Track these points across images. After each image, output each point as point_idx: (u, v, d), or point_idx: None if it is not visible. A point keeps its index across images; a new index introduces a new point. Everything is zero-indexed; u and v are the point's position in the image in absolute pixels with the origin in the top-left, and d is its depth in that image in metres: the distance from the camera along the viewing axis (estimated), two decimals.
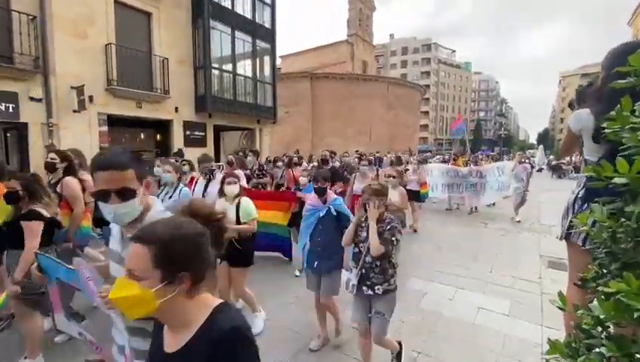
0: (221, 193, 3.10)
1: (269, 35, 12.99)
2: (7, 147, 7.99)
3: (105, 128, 8.87)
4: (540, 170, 23.60)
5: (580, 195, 1.83)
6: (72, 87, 7.92)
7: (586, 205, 1.70)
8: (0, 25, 7.04)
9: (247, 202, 3.05)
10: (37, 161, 7.23)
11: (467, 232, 6.80)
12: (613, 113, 0.86)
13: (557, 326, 2.95)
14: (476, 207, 8.69)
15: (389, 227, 2.28)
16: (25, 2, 7.28)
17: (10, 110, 7.18)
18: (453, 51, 77.65)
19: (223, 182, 3.13)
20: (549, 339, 0.93)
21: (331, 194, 2.86)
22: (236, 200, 3.02)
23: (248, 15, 12.07)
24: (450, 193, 8.48)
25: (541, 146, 31.81)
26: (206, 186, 4.01)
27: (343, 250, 2.53)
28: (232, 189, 3.00)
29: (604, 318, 0.78)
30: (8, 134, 7.98)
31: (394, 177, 4.56)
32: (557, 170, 21.46)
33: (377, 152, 15.16)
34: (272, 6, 13.08)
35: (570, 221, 1.80)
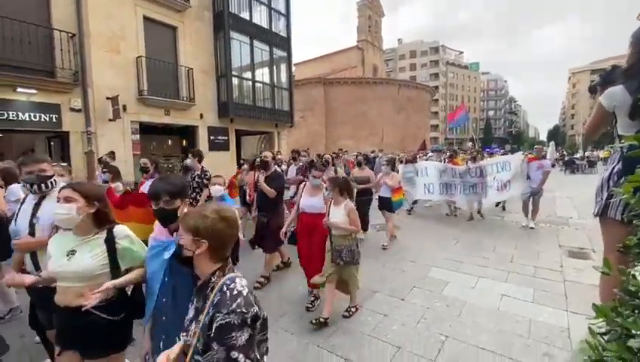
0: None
1: (285, 43, 13.48)
2: (51, 154, 8.60)
3: (137, 137, 9.42)
4: (552, 165, 23.37)
5: (615, 170, 1.84)
6: (107, 98, 8.48)
7: (622, 179, 1.68)
8: (43, 42, 7.65)
9: (128, 235, 1.72)
10: (77, 166, 7.81)
11: (483, 225, 6.97)
12: None
13: (583, 312, 3.06)
14: (480, 212, 7.53)
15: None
16: (65, 21, 7.89)
17: (54, 120, 7.77)
18: (461, 52, 77.40)
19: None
20: (593, 304, 0.95)
21: None
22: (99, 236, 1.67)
23: (265, 25, 12.59)
24: (449, 195, 7.32)
25: (552, 143, 31.39)
26: (36, 207, 2.13)
27: None
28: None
29: None
30: (52, 142, 8.60)
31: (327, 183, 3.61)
32: (570, 165, 21.15)
33: (372, 151, 14.60)
34: (287, 15, 13.58)
35: (610, 193, 1.81)
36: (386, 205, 5.80)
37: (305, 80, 30.08)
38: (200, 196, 4.80)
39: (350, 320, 3.21)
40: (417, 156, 10.34)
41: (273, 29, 12.90)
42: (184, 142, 12.35)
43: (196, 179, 4.96)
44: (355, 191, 5.22)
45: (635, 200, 1.07)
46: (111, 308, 1.64)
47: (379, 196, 5.86)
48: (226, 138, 11.62)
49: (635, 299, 0.89)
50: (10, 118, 7.11)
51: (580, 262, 4.57)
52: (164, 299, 1.55)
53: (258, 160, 6.58)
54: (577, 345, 2.35)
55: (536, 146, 7.19)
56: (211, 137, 11.16)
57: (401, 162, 8.42)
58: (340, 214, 3.16)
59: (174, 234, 1.51)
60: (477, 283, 3.99)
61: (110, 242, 1.65)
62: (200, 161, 5.14)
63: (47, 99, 7.64)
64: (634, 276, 0.97)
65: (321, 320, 3.06)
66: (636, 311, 0.88)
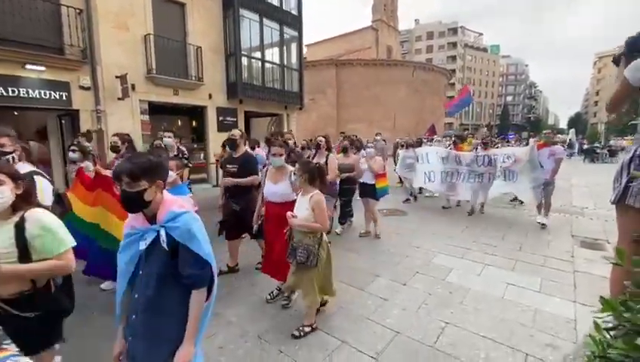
0: None
1: (296, 22, 13.09)
2: (62, 132, 8.73)
3: (146, 116, 9.44)
4: (571, 155, 22.74)
5: (637, 153, 1.70)
6: (116, 77, 8.47)
7: None
8: (51, 18, 7.61)
9: (39, 220, 1.50)
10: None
11: (494, 212, 6.77)
12: None
13: (591, 303, 2.98)
14: (482, 206, 6.73)
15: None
16: None
17: (64, 98, 7.82)
18: (480, 34, 74.03)
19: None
20: (600, 297, 0.91)
21: (169, 203, 1.41)
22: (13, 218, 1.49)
23: (276, 2, 12.20)
24: (449, 185, 6.67)
25: (572, 130, 30.26)
26: None
27: (182, 327, 1.38)
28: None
29: None
30: (63, 120, 8.71)
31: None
32: (590, 154, 20.42)
33: (377, 134, 12.46)
34: None
35: (630, 178, 1.67)
36: (369, 192, 5.17)
37: (316, 61, 29.47)
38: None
39: (350, 302, 3.17)
40: (423, 140, 9.81)
41: (284, 7, 12.51)
42: (194, 122, 12.38)
43: None
44: (338, 180, 4.95)
45: None
46: (22, 304, 1.46)
47: (361, 182, 5.21)
48: (235, 119, 11.54)
49: None
50: (22, 95, 7.18)
51: (592, 253, 4.40)
52: (135, 295, 1.43)
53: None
54: (583, 338, 2.25)
55: (545, 131, 6.59)
56: (220, 118, 11.10)
57: (402, 146, 7.88)
58: (303, 208, 2.62)
59: (151, 221, 1.40)
60: (482, 271, 3.90)
61: (19, 227, 1.45)
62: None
63: (57, 77, 7.67)
64: None
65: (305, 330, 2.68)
66: None
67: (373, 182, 5.14)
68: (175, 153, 4.77)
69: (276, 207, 3.05)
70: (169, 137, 4.94)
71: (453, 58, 63.31)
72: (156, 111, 10.12)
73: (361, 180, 5.19)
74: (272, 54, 12.40)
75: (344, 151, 5.28)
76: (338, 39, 37.91)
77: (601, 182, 11.15)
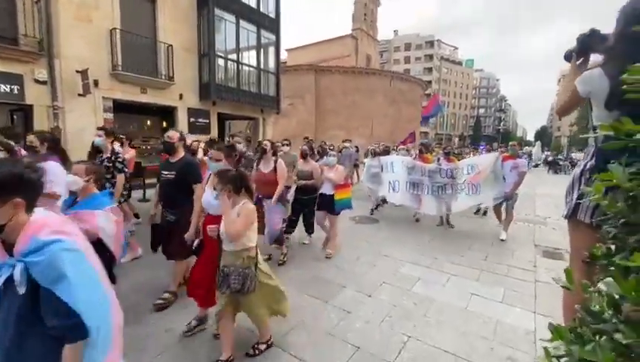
0: None
1: (274, 25, 12.97)
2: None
3: (110, 115, 8.92)
4: (537, 165, 24.06)
5: (587, 167, 1.64)
6: (76, 71, 7.95)
7: (595, 178, 1.57)
8: (5, 6, 7.05)
9: None
10: None
11: (461, 222, 6.75)
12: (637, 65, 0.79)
13: (550, 314, 3.05)
14: (448, 220, 6.46)
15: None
16: None
17: (16, 91, 7.23)
18: (456, 48, 77.33)
19: None
20: (550, 324, 0.86)
21: (35, 228, 1.07)
22: None
23: (253, 4, 12.04)
24: (414, 196, 6.24)
25: (538, 142, 32.03)
26: None
27: None
28: None
29: (620, 299, 0.69)
30: (15, 116, 8.05)
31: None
32: (553, 166, 21.65)
33: (345, 141, 10.93)
34: None
35: (580, 193, 1.62)
36: (328, 205, 4.59)
37: (296, 66, 29.48)
38: (114, 185, 4.08)
39: (312, 316, 3.02)
40: (394, 148, 9.61)
41: (261, 10, 12.37)
42: (164, 123, 11.90)
43: (105, 163, 4.07)
44: (294, 188, 4.64)
45: (606, 202, 0.88)
46: None
47: (319, 193, 4.67)
48: (207, 121, 11.19)
49: (598, 321, 0.74)
50: None
51: (553, 263, 4.52)
52: None
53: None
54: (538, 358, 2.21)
55: (511, 143, 6.29)
56: (191, 119, 10.72)
57: (372, 155, 7.43)
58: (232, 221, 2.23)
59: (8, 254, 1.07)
60: (448, 281, 3.87)
61: None
62: (121, 142, 4.51)
63: (8, 69, 7.08)
64: (599, 293, 0.78)
65: None
66: (598, 337, 0.72)
67: (332, 193, 4.57)
68: (108, 155, 4.18)
69: (215, 219, 2.49)
70: (99, 136, 4.26)
71: (430, 70, 65.59)
72: (122, 109, 9.61)
73: (321, 191, 4.64)
74: (249, 57, 12.20)
75: (303, 156, 4.78)
76: (318, 45, 38.16)
77: (563, 193, 11.71)
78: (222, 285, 2.22)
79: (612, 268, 0.83)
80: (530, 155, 23.99)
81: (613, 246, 0.91)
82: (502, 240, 5.45)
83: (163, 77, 9.71)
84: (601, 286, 0.78)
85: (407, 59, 67.43)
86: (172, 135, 3.19)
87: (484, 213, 7.45)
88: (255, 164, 4.35)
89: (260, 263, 2.34)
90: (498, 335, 2.78)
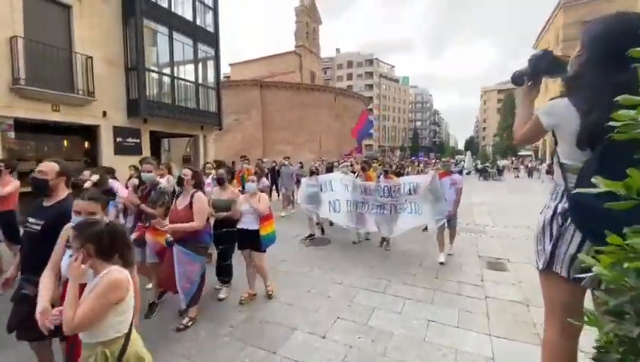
0: None
1: (212, 39, 12.40)
2: None
3: (11, 134, 7.50)
4: (469, 173, 26.52)
5: (559, 210, 1.43)
6: None
7: (569, 222, 1.36)
8: None
9: None
10: None
11: (409, 237, 6.42)
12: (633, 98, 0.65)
13: (503, 335, 3.06)
14: (387, 241, 5.97)
15: None
16: None
17: None
18: (392, 66, 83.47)
19: None
20: None
21: None
22: None
23: (189, 17, 11.37)
24: (357, 215, 5.81)
25: (469, 152, 35.49)
26: None
27: None
28: None
29: None
30: None
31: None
32: (483, 173, 23.94)
33: (286, 158, 10.43)
34: (215, 9, 12.53)
35: (554, 243, 1.42)
36: (253, 242, 3.77)
37: (240, 81, 28.89)
38: None
39: None
40: (337, 163, 9.11)
41: (198, 23, 11.74)
42: (86, 143, 10.48)
43: None
44: (213, 221, 3.89)
45: (612, 276, 0.70)
46: None
47: (238, 229, 3.83)
48: (138, 140, 10.07)
49: None
50: None
51: (497, 274, 4.66)
52: None
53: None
54: None
55: (444, 159, 6.07)
56: (118, 139, 9.53)
57: (310, 173, 6.87)
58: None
59: None
60: (403, 307, 3.71)
61: None
62: None
63: None
64: None
65: None
66: None
67: (257, 228, 3.75)
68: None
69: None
70: None
71: (371, 86, 69.44)
72: (32, 129, 8.20)
73: (240, 225, 3.81)
74: (185, 71, 11.41)
75: (219, 182, 3.98)
76: (263, 61, 38.06)
77: (495, 198, 12.84)
78: None
79: None
80: (461, 165, 26.30)
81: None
82: (441, 263, 5.03)
83: (80, 92, 8.50)
84: None
85: (349, 76, 70.63)
86: (46, 168, 2.23)
87: (425, 228, 6.81)
88: (175, 197, 3.53)
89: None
90: None
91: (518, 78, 1.65)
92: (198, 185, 3.45)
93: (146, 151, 10.36)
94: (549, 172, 24.69)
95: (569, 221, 1.36)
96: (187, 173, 3.38)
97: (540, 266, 1.50)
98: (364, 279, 4.51)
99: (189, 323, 3.26)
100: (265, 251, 3.91)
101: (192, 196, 3.29)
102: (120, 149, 9.36)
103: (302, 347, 2.95)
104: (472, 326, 3.27)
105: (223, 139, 26.09)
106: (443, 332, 3.17)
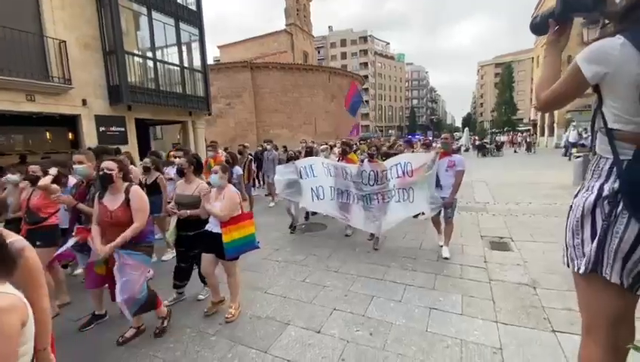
0: None
1: (196, 18, 11.69)
2: None
3: None
4: (467, 149, 26.27)
5: (606, 192, 1.10)
6: None
7: (620, 209, 1.05)
8: None
9: None
10: None
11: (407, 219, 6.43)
12: None
13: (511, 321, 2.85)
14: (377, 239, 5.03)
15: None
16: None
17: None
18: (388, 43, 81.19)
19: None
20: None
21: None
22: None
23: None
24: (342, 204, 5.16)
25: (466, 129, 35.08)
26: None
27: None
28: None
29: None
30: None
31: None
32: (481, 149, 23.65)
33: (268, 142, 9.36)
34: None
35: (601, 239, 1.10)
36: (215, 247, 3.07)
37: (229, 63, 27.90)
38: None
39: None
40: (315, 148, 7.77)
41: (179, 1, 11.01)
42: (70, 134, 10.07)
43: None
44: (175, 221, 3.37)
45: None
46: None
47: (204, 231, 3.20)
48: (123, 129, 9.62)
49: None
50: None
51: (501, 255, 4.43)
52: None
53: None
54: None
55: (443, 136, 5.27)
56: (101, 128, 9.08)
57: (287, 160, 6.16)
58: None
59: None
60: (404, 294, 3.49)
61: None
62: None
63: None
64: None
65: None
66: None
67: (219, 231, 3.04)
68: None
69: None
70: None
71: (366, 65, 67.81)
72: (9, 122, 7.78)
73: (207, 227, 3.18)
74: (168, 53, 10.81)
75: (180, 173, 3.48)
76: (253, 41, 36.75)
77: (494, 174, 12.58)
78: None
79: None
80: (459, 142, 25.96)
81: None
82: (445, 258, 4.37)
83: (56, 80, 7.99)
84: None
85: (343, 55, 68.84)
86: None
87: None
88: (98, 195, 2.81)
89: None
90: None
91: (540, 25, 1.27)
92: (126, 177, 2.81)
93: (133, 140, 9.94)
94: (529, 149, 24.30)
95: (620, 207, 1.05)
96: (110, 165, 2.67)
97: (582, 269, 1.17)
98: (361, 265, 4.29)
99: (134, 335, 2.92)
100: (230, 259, 3.12)
101: (128, 192, 2.72)
102: (104, 139, 8.90)
103: (295, 344, 2.73)
104: (477, 313, 3.05)
105: (216, 125, 25.51)
106: (446, 321, 2.96)
